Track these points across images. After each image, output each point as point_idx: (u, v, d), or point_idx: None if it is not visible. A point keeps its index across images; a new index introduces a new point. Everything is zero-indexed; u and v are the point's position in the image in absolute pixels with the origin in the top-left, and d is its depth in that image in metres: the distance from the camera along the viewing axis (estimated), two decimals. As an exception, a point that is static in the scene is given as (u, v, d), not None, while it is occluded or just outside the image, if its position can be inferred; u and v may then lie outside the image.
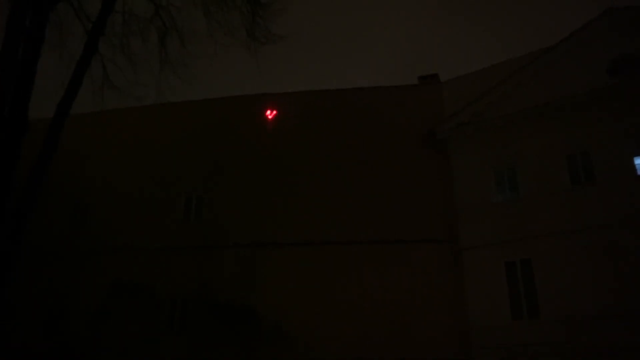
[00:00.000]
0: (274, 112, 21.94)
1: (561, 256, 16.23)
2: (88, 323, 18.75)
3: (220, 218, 20.48)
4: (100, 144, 23.11)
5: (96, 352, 17.95)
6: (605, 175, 16.49)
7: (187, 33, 14.16)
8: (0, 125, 11.07)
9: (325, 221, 19.52)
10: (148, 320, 18.50)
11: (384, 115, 21.08)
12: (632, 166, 16.33)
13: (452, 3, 59.82)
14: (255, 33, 13.48)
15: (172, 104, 21.90)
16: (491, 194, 18.39)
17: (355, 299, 17.90)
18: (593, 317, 15.07)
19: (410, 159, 19.95)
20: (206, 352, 17.60)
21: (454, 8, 59.46)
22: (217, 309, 18.11)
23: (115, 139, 23.13)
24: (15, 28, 11.55)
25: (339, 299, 18.00)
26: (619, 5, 18.12)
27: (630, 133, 16.53)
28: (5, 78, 11.21)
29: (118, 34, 14.16)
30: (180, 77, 14.67)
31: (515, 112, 18.43)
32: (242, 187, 20.90)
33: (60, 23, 13.98)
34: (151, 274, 19.26)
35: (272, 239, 19.63)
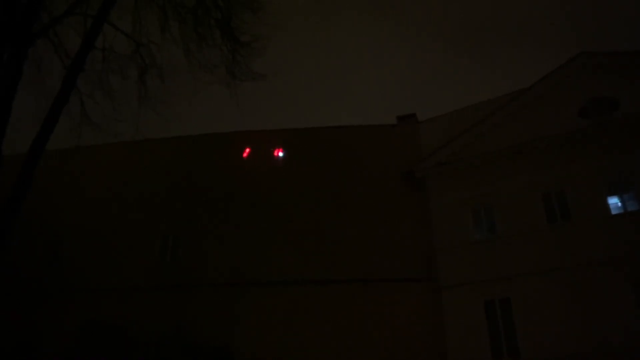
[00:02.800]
0: (247, 150, 21.90)
1: (539, 295, 16.25)
2: (58, 364, 18.07)
3: (197, 257, 20.18)
4: (77, 180, 22.82)
5: (65, 395, 17.28)
6: (581, 214, 16.74)
7: (166, 70, 14.17)
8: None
9: (303, 260, 19.36)
10: (121, 362, 17.88)
11: (363, 153, 21.25)
12: (607, 205, 16.61)
13: (431, 45, 61.21)
14: (234, 71, 13.55)
15: (150, 140, 21.72)
16: (469, 232, 18.46)
17: (333, 338, 17.61)
18: (572, 356, 14.99)
19: (389, 198, 20.02)
20: (180, 396, 17.06)
21: (433, 50, 60.81)
22: (192, 351, 17.60)
23: (92, 176, 22.86)
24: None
25: (317, 339, 17.69)
26: (592, 49, 18.73)
27: (604, 173, 16.88)
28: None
29: (97, 71, 14.09)
30: (159, 114, 14.60)
31: (491, 152, 18.72)
32: (220, 225, 20.69)
33: (39, 59, 13.87)
34: (125, 314, 18.77)
35: (250, 278, 19.36)
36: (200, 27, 13.14)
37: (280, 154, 21.60)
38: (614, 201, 16.76)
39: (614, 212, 16.55)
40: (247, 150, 21.97)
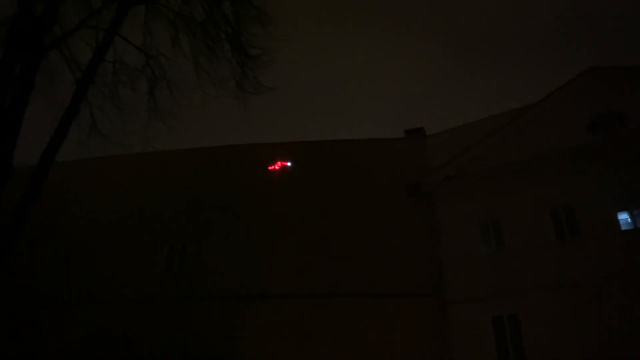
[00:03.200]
0: (283, 163, 21.88)
1: (548, 311, 16.07)
2: (64, 374, 18.07)
3: (203, 268, 20.16)
4: (85, 191, 22.94)
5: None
6: (590, 229, 16.58)
7: (176, 83, 14.28)
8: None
9: (308, 273, 19.29)
10: (126, 373, 17.85)
11: (370, 167, 21.25)
12: (616, 221, 16.46)
13: (439, 60, 61.38)
14: (244, 84, 13.64)
15: (158, 152, 21.92)
16: (477, 247, 18.35)
17: (339, 352, 17.49)
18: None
19: (396, 211, 19.97)
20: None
21: (441, 65, 60.99)
22: (197, 362, 17.57)
23: (100, 187, 22.99)
24: (5, 74, 11.56)
25: (322, 352, 17.58)
26: (601, 64, 18.74)
27: (613, 188, 16.77)
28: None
29: (107, 83, 14.23)
30: (168, 126, 14.71)
31: (499, 166, 18.63)
32: (227, 237, 20.70)
33: (51, 71, 14.03)
34: (131, 325, 18.75)
35: (256, 290, 19.30)
36: (210, 41, 13.26)
37: (288, 164, 21.59)
38: (623, 217, 16.59)
39: (623, 227, 16.39)
40: (278, 163, 21.94)
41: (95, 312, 19.41)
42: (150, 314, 19.15)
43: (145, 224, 21.54)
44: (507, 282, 17.04)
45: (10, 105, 11.58)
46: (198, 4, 13.64)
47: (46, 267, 21.41)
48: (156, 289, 19.96)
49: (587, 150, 17.45)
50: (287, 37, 13.31)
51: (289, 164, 21.82)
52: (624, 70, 18.41)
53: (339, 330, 17.95)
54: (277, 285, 19.32)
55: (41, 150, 11.98)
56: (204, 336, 18.29)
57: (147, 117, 14.27)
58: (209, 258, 20.41)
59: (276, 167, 21.82)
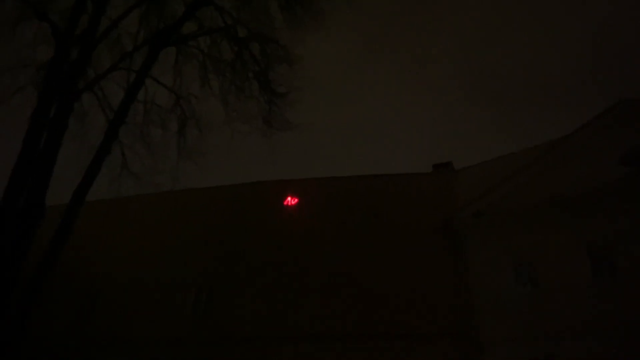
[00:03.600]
0: (295, 199, 21.85)
1: (586, 354, 15.42)
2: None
3: (229, 310, 19.89)
4: (113, 231, 23.09)
5: None
6: (629, 269, 15.99)
7: (205, 122, 14.47)
8: (17, 213, 11.09)
9: (335, 314, 18.87)
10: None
11: (397, 203, 20.95)
12: (656, 260, 15.86)
13: (467, 92, 61.38)
14: (271, 121, 13.75)
15: (185, 190, 21.99)
16: (510, 287, 17.78)
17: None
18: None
19: (425, 249, 19.55)
20: None
21: (469, 97, 60.92)
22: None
23: (127, 227, 23.12)
24: (40, 117, 11.85)
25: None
26: (632, 96, 18.39)
27: (652, 225, 16.20)
28: (25, 166, 11.36)
29: (138, 123, 14.48)
30: (197, 164, 14.83)
31: (531, 203, 18.19)
32: (253, 278, 20.45)
33: (84, 113, 14.34)
34: (158, 368, 18.52)
35: (281, 332, 18.95)
36: (238, 80, 13.47)
37: (293, 202, 21.51)
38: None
39: (663, 266, 15.79)
40: (289, 199, 21.90)
41: (122, 354, 19.21)
42: (177, 356, 18.90)
43: (172, 265, 21.44)
44: (542, 323, 16.47)
45: (45, 147, 11.82)
46: (226, 44, 13.92)
47: (75, 308, 21.41)
48: (183, 331, 19.74)
49: (621, 185, 16.95)
50: (313, 76, 13.42)
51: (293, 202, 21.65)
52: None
53: (366, 371, 17.45)
54: (303, 326, 18.92)
55: (72, 191, 12.13)
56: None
57: (176, 156, 14.42)
58: (234, 300, 20.15)
59: (293, 203, 21.69)
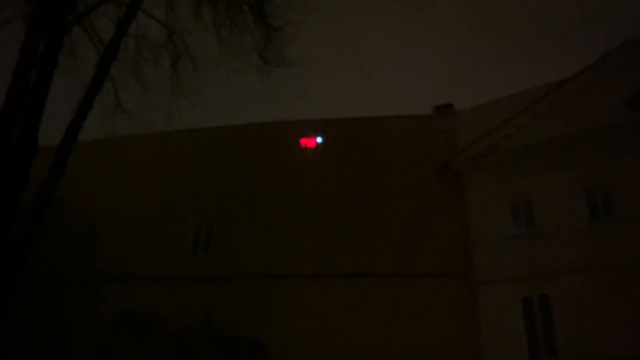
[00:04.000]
0: (309, 140, 21.56)
1: (580, 293, 15.71)
2: (92, 352, 18.37)
3: (229, 248, 20.13)
4: (111, 171, 23.02)
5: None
6: (625, 210, 16.02)
7: (199, 58, 14.09)
8: (10, 148, 10.95)
9: (336, 253, 19.12)
10: (153, 351, 18.06)
11: (398, 144, 20.77)
12: (654, 201, 15.84)
13: (469, 33, 60.03)
14: (267, 57, 13.36)
15: (184, 131, 21.84)
16: (507, 227, 17.91)
17: (366, 333, 17.36)
18: (613, 358, 14.41)
19: (425, 190, 19.57)
20: (211, 385, 17.12)
21: (471, 38, 59.62)
22: (224, 342, 17.67)
23: (127, 166, 23.03)
24: (29, 52, 11.52)
25: (347, 332, 17.49)
26: (638, 37, 17.83)
27: (651, 168, 16.09)
28: (16, 102, 11.13)
29: (131, 59, 14.11)
30: (191, 103, 14.54)
31: (531, 145, 18.05)
32: (253, 217, 20.59)
33: (74, 48, 13.95)
34: (158, 304, 18.90)
35: (282, 270, 19.23)
36: (233, 13, 13.00)
37: (318, 140, 21.23)
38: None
39: (661, 208, 15.78)
40: (309, 140, 21.62)
41: (121, 291, 19.60)
42: (176, 293, 19.25)
43: (171, 203, 21.53)
44: (538, 263, 16.67)
45: (35, 83, 11.55)
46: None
47: (74, 246, 21.69)
48: (182, 269, 20.04)
49: (623, 127, 16.75)
50: (311, 10, 12.94)
51: (318, 140, 21.42)
52: (664, 43, 17.54)
53: (366, 309, 17.81)
54: (304, 265, 19.21)
55: (66, 127, 11.93)
56: (230, 315, 18.33)
57: (170, 93, 14.13)
58: (235, 238, 20.35)
59: (305, 145, 21.50)
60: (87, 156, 22.13)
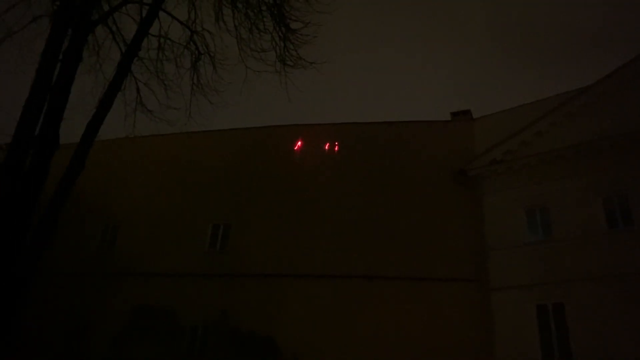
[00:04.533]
0: (299, 143, 21.95)
1: (596, 302, 15.48)
2: (109, 345, 18.78)
3: (246, 247, 20.39)
4: (133, 169, 23.52)
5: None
6: (645, 219, 15.80)
7: (219, 58, 14.34)
8: (32, 141, 11.24)
9: (350, 254, 19.19)
10: (169, 346, 18.34)
11: (415, 150, 20.86)
12: (672, 211, 15.63)
13: (487, 40, 59.78)
14: (285, 58, 13.54)
15: (204, 132, 22.17)
16: (523, 234, 17.78)
17: (378, 335, 17.38)
18: (630, 367, 14.21)
19: (441, 195, 19.57)
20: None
21: (490, 45, 59.36)
22: (237, 338, 17.91)
23: (148, 165, 23.50)
24: (54, 48, 11.83)
25: (360, 333, 17.53)
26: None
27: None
28: (39, 96, 11.42)
29: (153, 59, 14.42)
30: (211, 102, 14.79)
31: (550, 152, 17.94)
32: (269, 217, 20.83)
33: (98, 47, 14.31)
34: (174, 300, 19.21)
35: (296, 270, 19.39)
36: (252, 13, 13.21)
37: (333, 146, 21.48)
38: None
39: (680, 217, 15.56)
40: (299, 143, 22.01)
41: (139, 286, 19.98)
42: (193, 290, 19.54)
43: (190, 202, 21.93)
44: (553, 271, 16.50)
45: (59, 78, 11.85)
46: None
47: (95, 242, 22.26)
48: (199, 266, 20.37)
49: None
50: (330, 12, 13.06)
51: (334, 146, 21.65)
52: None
53: (377, 312, 17.81)
54: (317, 265, 19.34)
55: (87, 123, 12.19)
56: (244, 313, 18.54)
57: (190, 92, 14.39)
58: (251, 237, 20.61)
59: (325, 148, 21.74)
60: (109, 155, 22.70)
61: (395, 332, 17.34)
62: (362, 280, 18.64)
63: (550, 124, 18.58)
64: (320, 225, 20.12)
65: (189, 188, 22.29)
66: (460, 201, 19.30)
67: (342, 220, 19.99)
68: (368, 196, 20.28)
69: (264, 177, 21.84)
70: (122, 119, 15.24)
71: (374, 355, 16.99)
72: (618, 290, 15.24)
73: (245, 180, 21.95)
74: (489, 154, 19.16)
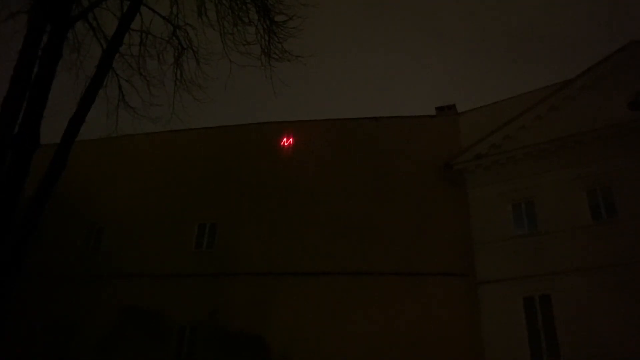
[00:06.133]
0: (290, 140, 21.83)
1: (582, 293, 15.63)
2: (96, 347, 18.52)
3: (232, 246, 20.19)
4: (117, 169, 23.21)
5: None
6: (628, 210, 15.99)
7: (203, 53, 14.10)
8: (11, 141, 10.94)
9: (339, 251, 19.13)
10: (156, 347, 18.16)
11: (400, 144, 20.85)
12: (655, 202, 15.79)
13: (471, 35, 60.08)
14: (270, 51, 13.36)
15: (189, 130, 21.88)
16: (509, 227, 17.88)
17: (367, 331, 17.35)
18: (615, 358, 14.33)
19: (427, 190, 19.59)
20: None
21: (474, 40, 59.65)
22: (226, 338, 17.75)
23: (132, 165, 23.20)
24: (32, 45, 11.51)
25: (350, 330, 17.48)
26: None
27: (653, 168, 16.05)
28: (18, 94, 11.11)
29: (135, 55, 14.14)
30: (195, 98, 14.55)
31: (534, 145, 18.07)
32: (257, 214, 20.68)
33: (78, 43, 14.00)
34: (161, 300, 19.03)
35: (285, 268, 19.27)
36: (236, 6, 13.00)
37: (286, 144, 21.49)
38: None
39: (663, 208, 15.72)
40: (284, 140, 21.85)
41: (126, 287, 19.72)
42: (180, 290, 19.34)
43: (175, 201, 21.67)
44: (540, 263, 16.63)
45: (38, 74, 11.54)
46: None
47: (80, 243, 21.87)
48: (186, 266, 20.15)
49: (626, 129, 16.74)
50: (314, 5, 12.91)
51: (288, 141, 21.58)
52: (667, 44, 17.53)
53: (367, 308, 17.79)
54: (306, 263, 19.25)
55: (69, 119, 11.91)
56: (233, 312, 18.39)
57: (174, 88, 14.13)
58: (238, 235, 20.44)
59: (289, 144, 21.70)
60: (93, 155, 22.37)
61: (384, 327, 17.33)
62: (349, 277, 18.59)
63: (534, 117, 18.71)
64: (307, 223, 20.01)
65: (174, 187, 22.03)
66: (446, 195, 19.34)
67: (330, 216, 19.91)
68: (356, 191, 20.23)
69: (250, 175, 21.66)
70: (104, 117, 14.94)
71: (364, 352, 16.97)
72: (603, 280, 15.40)
73: (231, 178, 21.76)
74: (474, 148, 19.23)
